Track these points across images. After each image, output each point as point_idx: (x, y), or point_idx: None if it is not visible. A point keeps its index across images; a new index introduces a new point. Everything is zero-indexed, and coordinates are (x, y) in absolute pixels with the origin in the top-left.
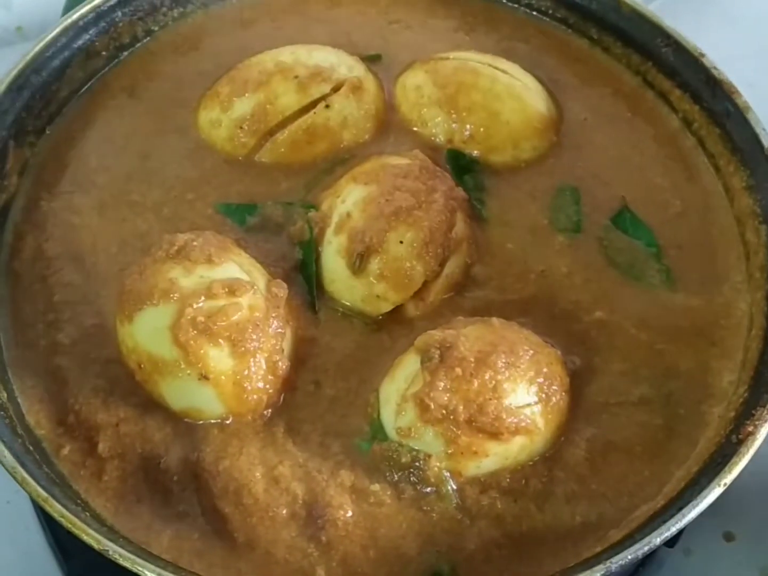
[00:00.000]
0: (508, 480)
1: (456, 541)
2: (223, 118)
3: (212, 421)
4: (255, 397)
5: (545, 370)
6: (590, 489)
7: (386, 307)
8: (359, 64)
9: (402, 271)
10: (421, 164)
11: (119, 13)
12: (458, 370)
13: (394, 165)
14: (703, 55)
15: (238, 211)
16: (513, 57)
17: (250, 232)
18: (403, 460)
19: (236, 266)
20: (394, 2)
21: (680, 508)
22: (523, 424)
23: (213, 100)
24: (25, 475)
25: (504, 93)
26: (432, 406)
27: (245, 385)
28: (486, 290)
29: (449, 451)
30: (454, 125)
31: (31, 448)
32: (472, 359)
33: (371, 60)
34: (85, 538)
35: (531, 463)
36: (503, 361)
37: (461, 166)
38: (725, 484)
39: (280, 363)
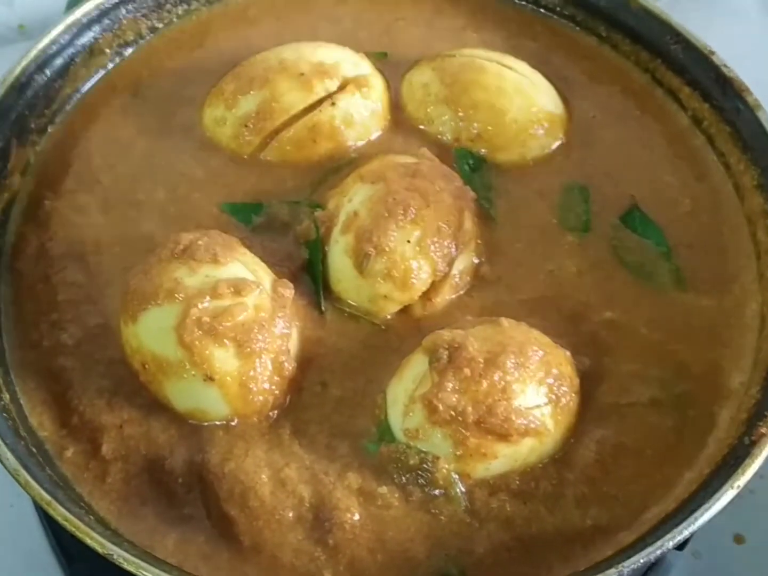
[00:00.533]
0: (517, 482)
1: (465, 544)
2: (228, 116)
3: (217, 422)
4: (261, 398)
5: (555, 370)
6: (601, 491)
7: (393, 307)
8: (365, 61)
9: (409, 271)
10: (429, 163)
11: (123, 10)
12: (467, 371)
13: (401, 164)
14: (712, 53)
15: (243, 210)
16: (521, 54)
17: (255, 231)
18: (411, 462)
19: (242, 266)
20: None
21: (692, 511)
22: (532, 425)
23: (218, 98)
24: (29, 478)
25: (512, 90)
26: (440, 408)
27: (251, 386)
28: (495, 290)
29: (458, 453)
30: (461, 123)
31: (34, 450)
32: (481, 360)
33: (377, 58)
34: (89, 541)
35: (540, 465)
36: (512, 361)
37: (469, 164)
38: (738, 487)
39: (286, 364)
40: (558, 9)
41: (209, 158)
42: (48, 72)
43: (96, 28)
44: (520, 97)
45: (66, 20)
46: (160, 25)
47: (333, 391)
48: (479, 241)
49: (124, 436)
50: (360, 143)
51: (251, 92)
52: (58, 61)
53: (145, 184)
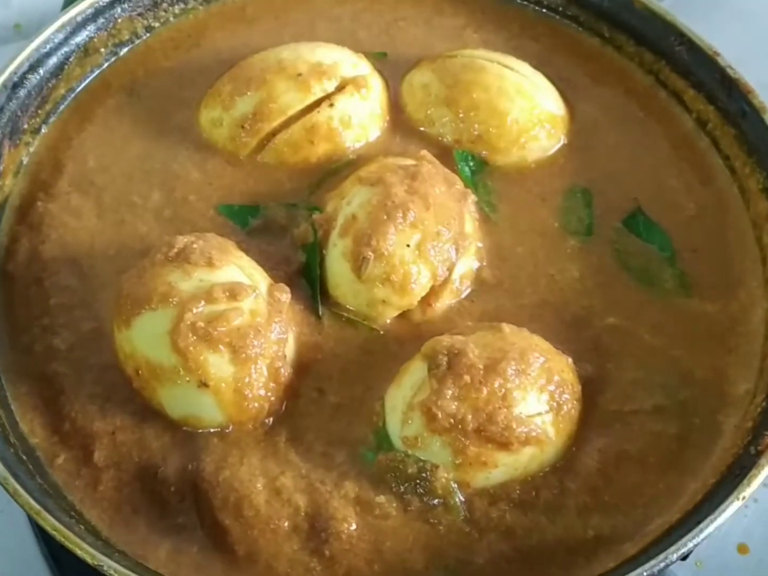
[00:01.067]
0: (518, 491)
1: (464, 555)
2: (225, 117)
3: (212, 429)
4: (256, 404)
5: (556, 377)
6: (603, 501)
7: (392, 312)
8: (364, 61)
9: (409, 276)
10: (429, 165)
11: (119, 9)
12: (467, 378)
13: (401, 166)
14: (717, 54)
15: (240, 212)
16: (522, 55)
17: (252, 234)
18: (410, 470)
19: (237, 269)
20: None
21: (698, 522)
22: (533, 433)
23: (214, 99)
24: (17, 487)
25: (513, 92)
26: (439, 415)
27: (246, 392)
28: (495, 295)
29: (457, 462)
30: (462, 125)
31: (24, 457)
32: (481, 366)
33: (377, 58)
34: (79, 552)
35: (542, 474)
36: (513, 368)
37: (470, 167)
38: (744, 498)
39: (282, 370)
40: (560, 9)
41: (205, 160)
42: (41, 71)
43: (91, 27)
44: (522, 99)
45: (60, 19)
46: (156, 24)
47: (330, 397)
48: (480, 245)
49: (116, 443)
50: (358, 145)
51: (248, 93)
52: (52, 61)
53: (140, 186)
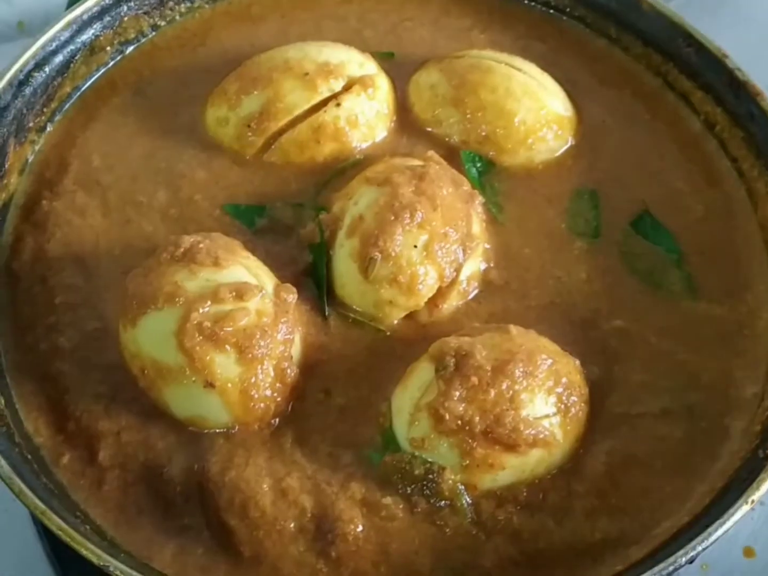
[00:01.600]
0: (525, 494)
1: (471, 557)
2: (231, 116)
3: (218, 430)
4: (262, 405)
5: (564, 379)
6: (610, 504)
7: (399, 313)
8: (371, 61)
9: (416, 277)
10: (436, 166)
11: (125, 8)
12: (474, 379)
13: (408, 166)
14: (726, 56)
15: (246, 212)
16: (529, 56)
17: (258, 234)
18: (416, 472)
19: (244, 269)
20: None
21: (706, 526)
22: (541, 435)
23: (220, 98)
24: (23, 487)
25: (520, 92)
26: (447, 417)
27: (252, 393)
28: (503, 296)
29: (464, 464)
30: (469, 125)
31: (29, 456)
32: (489, 368)
33: (383, 58)
34: (84, 552)
35: (549, 476)
36: (521, 370)
37: (477, 167)
38: (752, 501)
39: (288, 370)
40: (568, 10)
41: (211, 159)
42: (47, 69)
43: (97, 26)
44: (529, 99)
45: (66, 17)
46: (162, 23)
47: (336, 398)
48: (487, 246)
49: (121, 443)
50: (365, 145)
51: (255, 92)
52: (58, 59)
53: (145, 185)
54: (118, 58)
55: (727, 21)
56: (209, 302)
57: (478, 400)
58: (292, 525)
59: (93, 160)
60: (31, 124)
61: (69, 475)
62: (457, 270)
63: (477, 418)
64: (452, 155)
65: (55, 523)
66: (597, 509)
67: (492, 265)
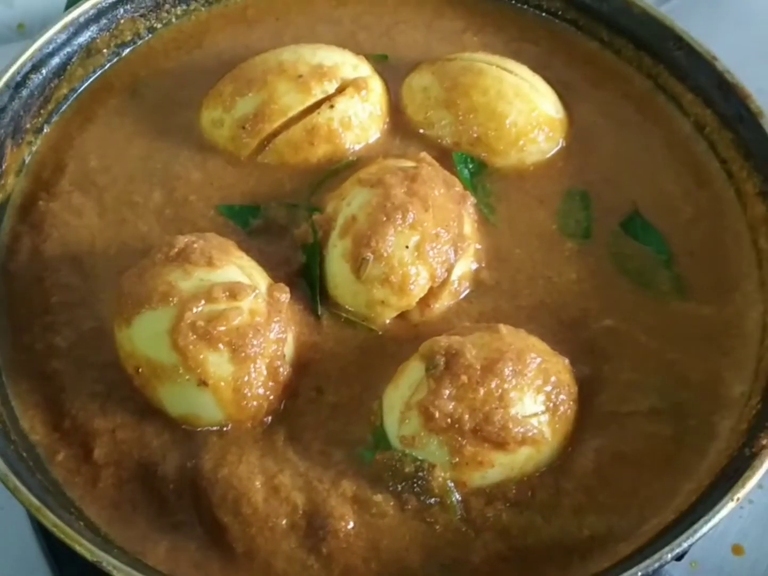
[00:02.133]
0: (514, 491)
1: (460, 554)
2: (226, 118)
3: (211, 427)
4: (255, 403)
5: (553, 378)
6: (598, 501)
7: (391, 313)
8: (365, 64)
9: (407, 277)
10: (429, 167)
11: (121, 10)
12: (464, 378)
13: (400, 168)
14: (716, 59)
15: (240, 213)
16: (522, 58)
17: (252, 234)
18: (407, 469)
19: (237, 269)
20: (401, 2)
21: (692, 523)
22: (530, 434)
23: (215, 100)
24: (18, 484)
25: (512, 94)
26: (436, 415)
27: (245, 391)
28: (493, 296)
29: (454, 461)
30: (461, 127)
31: (24, 454)
32: (479, 367)
33: (377, 60)
34: (78, 548)
35: (538, 473)
36: (510, 369)
37: (469, 169)
38: (738, 499)
39: (281, 369)
40: (560, 13)
41: (206, 160)
42: (44, 71)
43: (93, 28)
44: (521, 101)
45: (63, 19)
46: (159, 26)
47: (328, 397)
48: (478, 247)
49: (116, 441)
50: (358, 146)
51: (249, 94)
52: (55, 61)
53: (141, 186)
54: (115, 60)
55: (719, 23)
56: (203, 302)
57: (467, 399)
58: (284, 522)
59: (89, 161)
60: (28, 126)
61: (64, 473)
62: (449, 270)
63: (466, 417)
64: (444, 157)
65: (50, 519)
66: (585, 506)
67: (483, 265)
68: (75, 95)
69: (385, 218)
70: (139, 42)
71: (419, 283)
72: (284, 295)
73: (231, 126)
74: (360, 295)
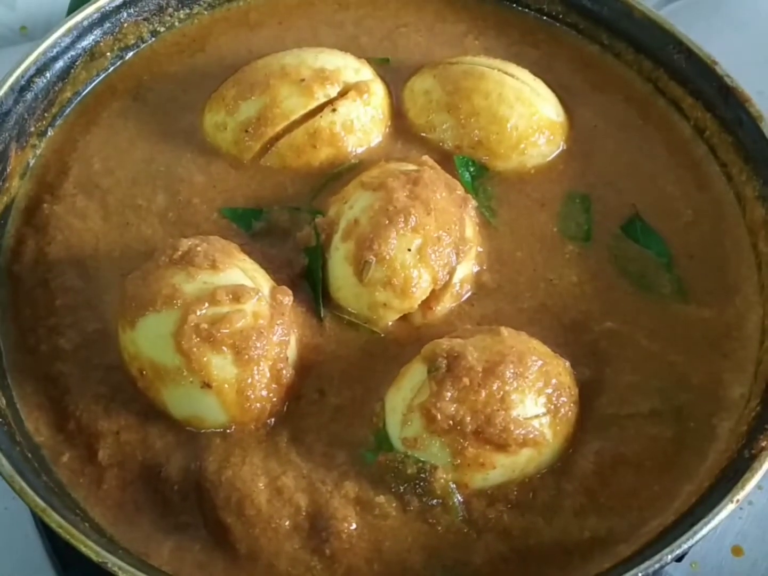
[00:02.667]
0: (515, 493)
1: (462, 555)
2: (229, 122)
3: (215, 429)
4: (258, 405)
5: (554, 380)
6: (599, 503)
7: (393, 316)
8: (367, 67)
9: (410, 280)
10: (431, 171)
11: (124, 14)
12: (466, 380)
13: (402, 171)
14: (716, 63)
15: (243, 216)
16: (523, 62)
17: (255, 237)
18: (409, 471)
19: (240, 272)
20: (402, 6)
21: (692, 525)
22: (531, 435)
23: (218, 103)
24: (23, 485)
25: (513, 98)
26: (438, 417)
27: (248, 393)
28: (495, 299)
29: (456, 463)
30: (462, 131)
31: (29, 455)
32: (480, 369)
33: (379, 64)
34: (83, 549)
35: (539, 475)
36: (512, 371)
37: (470, 172)
38: (738, 501)
39: (284, 371)
40: (561, 17)
41: (209, 163)
42: (48, 75)
43: (97, 32)
44: (522, 105)
45: (67, 23)
46: (162, 29)
47: (331, 399)
48: (480, 250)
49: (120, 443)
50: (360, 150)
51: (252, 97)
52: (59, 64)
53: (144, 189)
54: (118, 63)
55: (719, 27)
56: (206, 304)
57: (469, 401)
58: (287, 523)
59: (93, 164)
60: (32, 129)
61: (69, 474)
62: (450, 273)
63: (468, 419)
64: (446, 160)
65: (55, 520)
66: (586, 508)
67: (485, 268)
68: (79, 98)
69: (387, 221)
70: (143, 45)
71: (421, 285)
72: (287, 298)
73: (234, 129)
74: (362, 298)
